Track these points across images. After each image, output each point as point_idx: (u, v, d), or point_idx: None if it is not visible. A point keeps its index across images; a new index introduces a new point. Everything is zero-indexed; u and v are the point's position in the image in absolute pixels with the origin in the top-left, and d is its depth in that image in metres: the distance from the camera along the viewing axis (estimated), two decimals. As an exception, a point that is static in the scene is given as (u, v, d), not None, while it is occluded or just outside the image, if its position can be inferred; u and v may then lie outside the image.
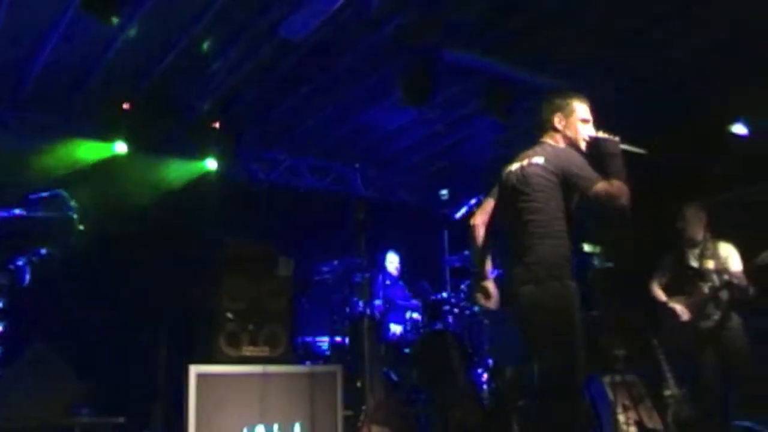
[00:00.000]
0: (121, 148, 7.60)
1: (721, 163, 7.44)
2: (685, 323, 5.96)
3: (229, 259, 6.01)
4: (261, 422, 5.51)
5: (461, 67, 6.93)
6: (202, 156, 8.18)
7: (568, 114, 4.30)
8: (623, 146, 4.15)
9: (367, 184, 9.89)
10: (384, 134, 8.82)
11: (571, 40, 6.52)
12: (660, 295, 6.24)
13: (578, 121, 4.29)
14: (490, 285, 4.42)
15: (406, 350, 7.12)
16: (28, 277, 5.39)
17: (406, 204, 10.26)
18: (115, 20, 5.61)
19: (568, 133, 4.28)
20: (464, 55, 6.71)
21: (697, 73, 7.00)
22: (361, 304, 6.56)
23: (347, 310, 6.94)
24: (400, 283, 8.31)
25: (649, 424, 5.97)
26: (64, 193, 5.56)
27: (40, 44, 6.41)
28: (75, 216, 5.49)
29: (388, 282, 8.00)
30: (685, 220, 6.13)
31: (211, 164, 8.23)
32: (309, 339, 7.58)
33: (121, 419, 5.73)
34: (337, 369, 6.04)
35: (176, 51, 6.62)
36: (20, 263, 5.38)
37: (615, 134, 4.22)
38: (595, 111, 4.42)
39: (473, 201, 7.26)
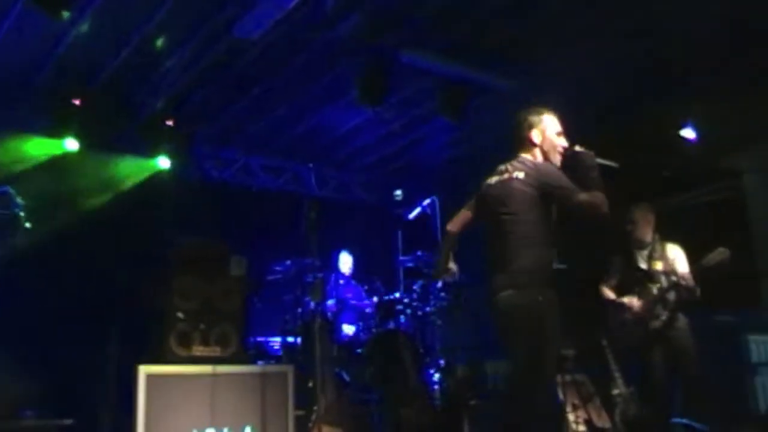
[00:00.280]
0: (71, 144, 7.48)
1: (670, 166, 7.57)
2: (634, 323, 6.03)
3: (181, 258, 5.95)
4: (212, 425, 5.46)
5: (416, 68, 6.95)
6: (155, 154, 8.08)
7: (542, 129, 4.49)
8: (598, 159, 4.38)
9: (323, 184, 9.88)
10: (339, 134, 8.82)
11: (523, 40, 6.60)
12: (610, 294, 6.31)
13: (553, 135, 4.50)
14: (452, 263, 4.75)
15: (359, 350, 7.12)
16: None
17: (361, 204, 10.27)
18: (65, 15, 5.52)
19: (545, 146, 4.48)
20: (419, 55, 6.73)
21: (645, 75, 7.12)
22: (312, 304, 6.54)
23: (299, 310, 6.92)
24: (354, 282, 8.31)
25: (598, 423, 6.05)
26: (11, 190, 5.48)
27: (-12, 38, 6.30)
28: (22, 213, 5.40)
29: (341, 282, 7.99)
30: (634, 221, 6.19)
31: (164, 162, 8.14)
32: (261, 339, 7.55)
33: (69, 421, 5.65)
34: (288, 369, 6.01)
35: (129, 48, 6.56)
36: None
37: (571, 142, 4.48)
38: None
39: (427, 202, 7.32)
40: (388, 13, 6.20)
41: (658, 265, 6.06)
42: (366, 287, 8.07)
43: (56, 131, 7.46)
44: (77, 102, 7.27)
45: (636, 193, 6.40)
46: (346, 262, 8.30)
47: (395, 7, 6.14)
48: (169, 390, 5.39)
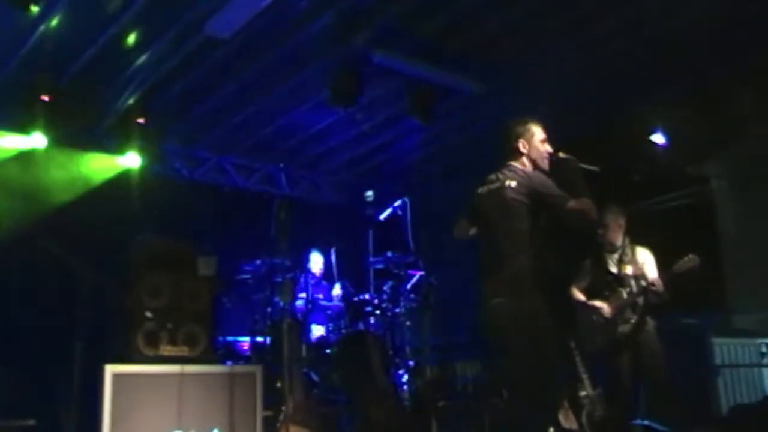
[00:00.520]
0: (38, 140, 7.38)
1: (640, 171, 7.65)
2: (603, 326, 6.07)
3: (149, 257, 5.89)
4: (179, 427, 5.39)
5: (388, 69, 6.96)
6: (124, 151, 8.01)
7: (529, 138, 4.65)
8: (580, 165, 4.55)
9: (294, 184, 9.85)
10: (311, 134, 8.79)
11: (494, 43, 6.63)
12: (580, 296, 6.35)
13: (539, 143, 4.64)
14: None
15: (328, 351, 7.10)
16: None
17: (332, 204, 10.25)
18: (34, 9, 5.46)
19: (533, 154, 4.63)
20: (391, 56, 6.74)
21: (615, 80, 7.18)
22: (281, 304, 6.51)
23: (269, 309, 6.87)
24: (324, 283, 8.28)
25: (565, 424, 6.07)
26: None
27: (-47, 31, 6.19)
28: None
29: (311, 282, 7.96)
30: (605, 225, 6.23)
31: (133, 160, 8.06)
32: (230, 339, 7.50)
33: (31, 422, 5.55)
34: (256, 369, 5.96)
35: (99, 44, 6.47)
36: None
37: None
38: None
39: (398, 203, 7.32)
40: (359, 14, 6.19)
41: (628, 269, 6.12)
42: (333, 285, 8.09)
43: (23, 126, 7.36)
44: (45, 98, 7.17)
45: (607, 196, 6.45)
46: (316, 262, 8.27)
47: (367, 8, 6.14)
48: (135, 390, 5.31)
